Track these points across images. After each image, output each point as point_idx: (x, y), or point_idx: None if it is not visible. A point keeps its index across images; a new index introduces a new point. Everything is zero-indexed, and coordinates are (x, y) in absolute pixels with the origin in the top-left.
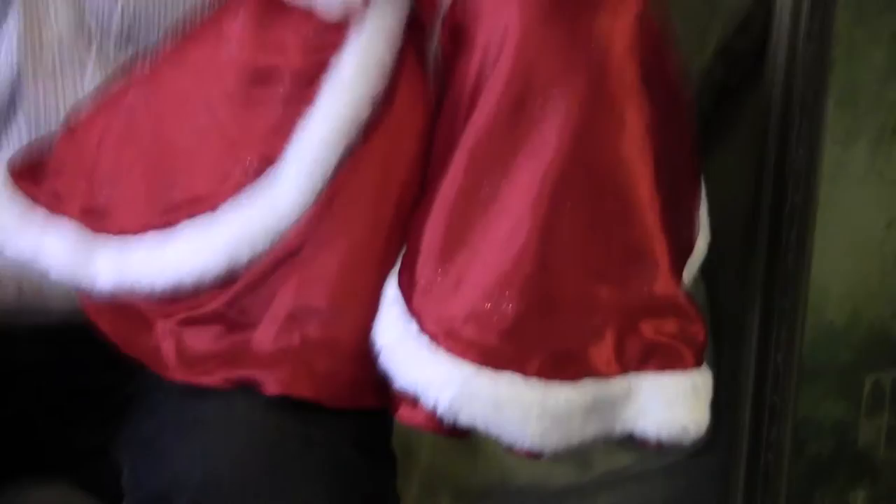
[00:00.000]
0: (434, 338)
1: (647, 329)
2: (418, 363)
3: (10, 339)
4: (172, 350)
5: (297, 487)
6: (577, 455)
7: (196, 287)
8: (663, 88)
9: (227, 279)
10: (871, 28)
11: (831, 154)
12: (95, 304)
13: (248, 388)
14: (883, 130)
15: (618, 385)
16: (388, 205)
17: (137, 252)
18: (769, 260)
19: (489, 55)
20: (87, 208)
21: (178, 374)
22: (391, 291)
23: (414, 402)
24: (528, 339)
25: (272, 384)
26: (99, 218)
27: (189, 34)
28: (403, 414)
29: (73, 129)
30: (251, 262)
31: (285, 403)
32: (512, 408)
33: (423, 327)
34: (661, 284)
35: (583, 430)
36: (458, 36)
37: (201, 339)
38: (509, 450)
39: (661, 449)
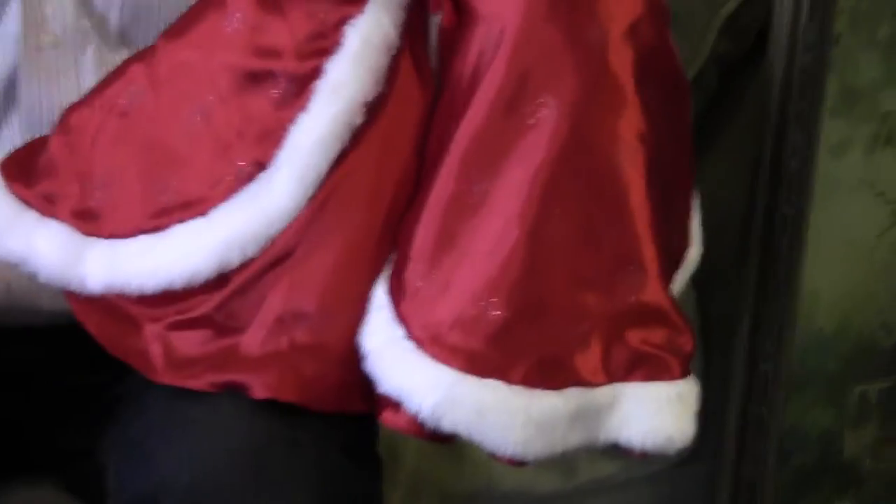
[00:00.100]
0: (420, 343)
1: (634, 338)
2: (403, 368)
3: None
4: (160, 353)
5: (283, 491)
6: (563, 462)
7: (186, 290)
8: (661, 93)
9: (217, 283)
10: (865, 37)
11: (824, 163)
12: (84, 306)
13: (235, 392)
14: (876, 140)
15: (603, 394)
16: (380, 209)
17: (128, 254)
18: (761, 268)
19: (484, 55)
20: (79, 211)
21: (166, 377)
22: (380, 296)
23: (397, 405)
24: (514, 345)
25: (259, 388)
26: (90, 220)
27: (183, 36)
28: (387, 417)
29: (66, 130)
30: (241, 266)
31: (273, 407)
32: (495, 415)
33: (409, 332)
34: (650, 293)
35: (567, 439)
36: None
37: (189, 343)
38: (493, 456)
39: (646, 458)
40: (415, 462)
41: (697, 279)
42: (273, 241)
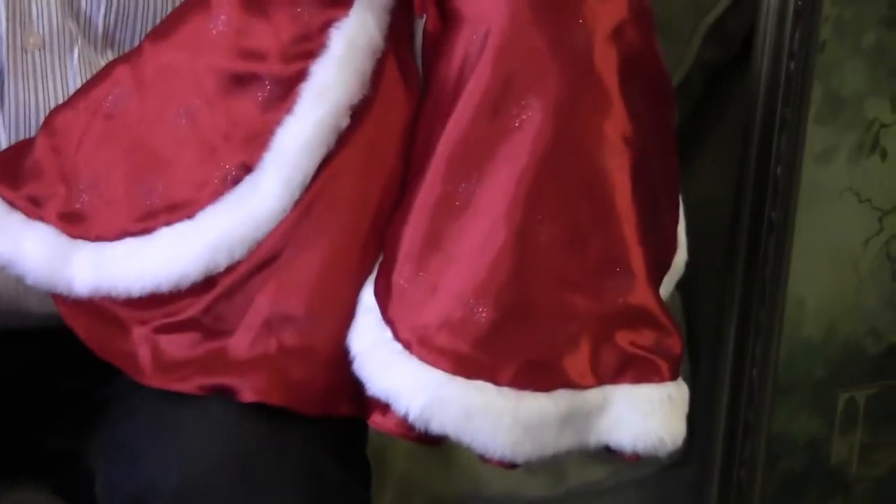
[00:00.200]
0: (407, 345)
1: (623, 340)
2: (391, 370)
3: None
4: (148, 356)
5: (271, 494)
6: (551, 467)
7: (173, 293)
8: (646, 96)
9: (205, 286)
10: (850, 44)
11: (809, 170)
12: (72, 309)
13: (223, 395)
14: (861, 147)
15: (593, 396)
16: (366, 212)
17: (114, 257)
18: (747, 274)
19: (470, 58)
20: (65, 213)
21: (154, 380)
22: (367, 298)
23: (386, 408)
24: (502, 347)
25: (248, 392)
26: (77, 223)
27: (168, 38)
28: (375, 420)
29: (51, 132)
30: (228, 269)
31: (260, 410)
32: (483, 416)
33: (396, 334)
34: (638, 295)
35: (557, 442)
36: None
37: (177, 346)
38: (482, 459)
39: (636, 461)
40: (403, 467)
41: (684, 285)
42: (260, 244)
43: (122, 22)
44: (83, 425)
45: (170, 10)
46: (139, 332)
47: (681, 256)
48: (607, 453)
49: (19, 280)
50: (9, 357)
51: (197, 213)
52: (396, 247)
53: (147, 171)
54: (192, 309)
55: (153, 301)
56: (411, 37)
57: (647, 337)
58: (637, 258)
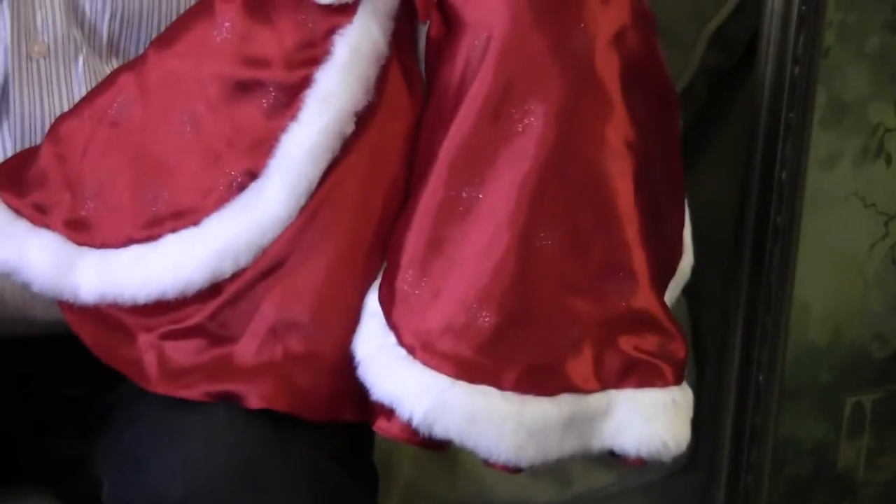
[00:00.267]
0: (411, 350)
1: (626, 344)
2: (394, 375)
3: None
4: (154, 363)
5: (277, 501)
6: (557, 472)
7: (179, 300)
8: (648, 101)
9: (210, 292)
10: (853, 49)
11: (814, 175)
12: (78, 316)
13: (229, 401)
14: (865, 152)
15: (596, 400)
16: (371, 218)
17: (120, 264)
18: (752, 279)
19: (471, 62)
20: (71, 220)
21: (160, 387)
22: (372, 303)
23: (390, 413)
24: (505, 352)
25: (254, 398)
26: (82, 230)
27: (173, 46)
28: (380, 425)
29: (56, 140)
30: (234, 276)
31: (266, 416)
32: (486, 421)
33: (400, 339)
34: (641, 299)
35: (561, 446)
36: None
37: (183, 352)
38: (486, 463)
39: (640, 465)
40: (409, 473)
41: (689, 290)
42: (265, 251)
43: (127, 30)
44: (88, 432)
45: (174, 17)
46: (145, 339)
47: (687, 261)
48: (611, 458)
49: (25, 287)
50: (14, 364)
51: (202, 220)
52: (400, 252)
53: (152, 178)
54: (198, 315)
55: (159, 308)
56: (415, 42)
57: (650, 341)
58: (640, 262)
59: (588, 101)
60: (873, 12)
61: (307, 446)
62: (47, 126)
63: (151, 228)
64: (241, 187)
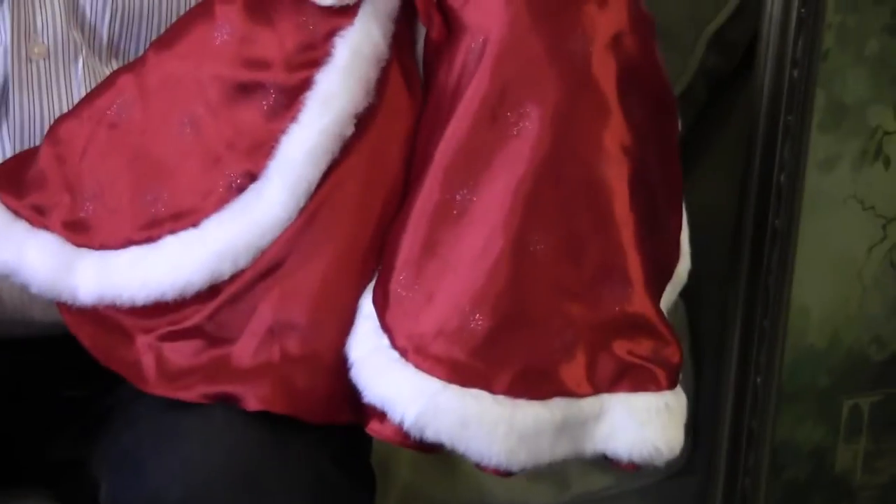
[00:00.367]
0: (403, 353)
1: (620, 349)
2: (387, 377)
3: None
4: (152, 364)
5: (276, 503)
6: (555, 475)
7: (177, 301)
8: (645, 105)
9: (209, 293)
10: (853, 52)
11: (812, 178)
12: (76, 317)
13: (227, 403)
14: (864, 155)
15: (589, 405)
16: (370, 220)
17: (119, 266)
18: (750, 282)
19: (468, 65)
20: (69, 222)
21: (158, 389)
22: (366, 306)
23: (383, 415)
24: (498, 355)
25: (252, 400)
26: (81, 231)
27: (173, 47)
28: (373, 427)
29: (55, 141)
30: (232, 277)
31: (264, 418)
32: (478, 425)
33: (393, 342)
34: (635, 304)
35: (552, 450)
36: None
37: (181, 354)
38: (478, 467)
39: (636, 470)
40: (406, 475)
41: (687, 293)
42: (264, 252)
43: (127, 31)
44: (86, 434)
45: (174, 19)
46: (143, 341)
47: (684, 265)
48: (604, 462)
49: (24, 289)
50: (13, 365)
51: (202, 222)
52: (394, 254)
53: (151, 179)
54: (197, 317)
55: (157, 309)
56: (414, 44)
57: (644, 345)
58: (635, 267)
59: (584, 105)
60: (873, 15)
61: (305, 448)
62: (46, 127)
63: (150, 230)
64: (241, 189)
